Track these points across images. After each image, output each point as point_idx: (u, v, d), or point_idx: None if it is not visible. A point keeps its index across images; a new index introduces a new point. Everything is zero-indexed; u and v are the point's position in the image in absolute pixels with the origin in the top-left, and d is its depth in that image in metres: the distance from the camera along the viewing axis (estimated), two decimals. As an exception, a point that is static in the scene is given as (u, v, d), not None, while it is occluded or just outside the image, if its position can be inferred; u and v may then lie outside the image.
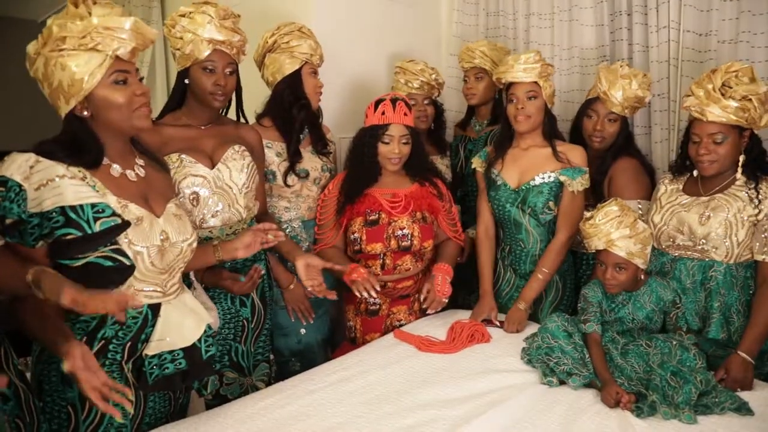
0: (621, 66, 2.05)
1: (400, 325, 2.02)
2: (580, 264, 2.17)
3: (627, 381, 1.52)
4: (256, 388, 1.87)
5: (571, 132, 2.21)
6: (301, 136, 2.09)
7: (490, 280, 2.10)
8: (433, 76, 2.42)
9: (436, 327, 1.93)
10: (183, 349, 1.38)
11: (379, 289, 1.88)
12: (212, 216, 1.72)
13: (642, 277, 1.73)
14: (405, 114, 2.02)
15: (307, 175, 2.09)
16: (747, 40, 2.05)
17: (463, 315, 2.03)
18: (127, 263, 1.26)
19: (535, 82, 1.96)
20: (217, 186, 1.72)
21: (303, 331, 2.12)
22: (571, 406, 1.47)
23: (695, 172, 1.78)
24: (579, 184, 1.98)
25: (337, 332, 2.30)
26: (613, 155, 2.09)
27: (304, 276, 1.76)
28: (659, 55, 2.26)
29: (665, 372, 1.48)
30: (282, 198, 2.08)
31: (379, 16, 2.71)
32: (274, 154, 2.04)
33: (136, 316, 1.32)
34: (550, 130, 2.03)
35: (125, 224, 1.24)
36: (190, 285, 1.56)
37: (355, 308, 2.11)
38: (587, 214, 1.73)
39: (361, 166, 2.05)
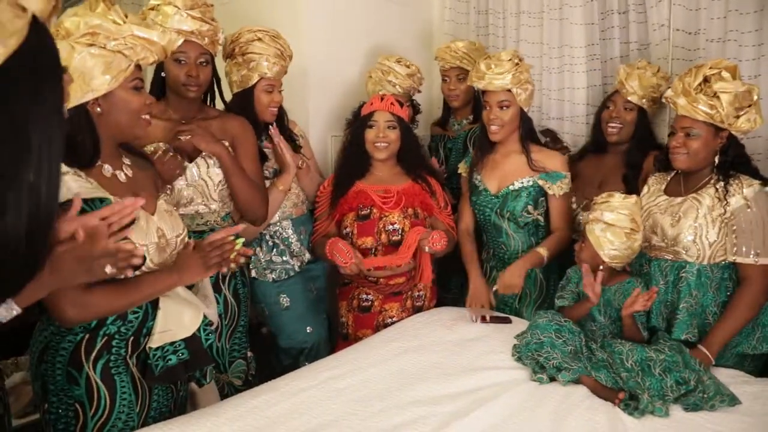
0: (639, 61, 2.09)
1: (392, 322, 2.03)
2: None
3: (614, 376, 1.53)
4: (233, 385, 1.89)
5: (593, 129, 2.22)
6: (263, 137, 2.07)
7: (478, 267, 2.11)
8: (409, 73, 2.38)
9: (425, 324, 1.93)
10: (184, 340, 1.40)
11: (356, 257, 1.91)
12: (184, 206, 1.77)
13: (620, 276, 1.75)
14: (392, 104, 2.04)
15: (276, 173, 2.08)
16: (735, 39, 2.07)
17: (451, 314, 2.03)
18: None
19: (509, 90, 1.96)
20: (193, 179, 1.76)
21: (309, 329, 2.14)
22: (561, 402, 1.48)
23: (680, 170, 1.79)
24: (559, 188, 2.01)
25: (333, 330, 2.31)
26: (639, 147, 2.08)
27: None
28: (663, 53, 2.27)
29: (641, 368, 1.49)
30: None
31: (370, 14, 2.70)
32: None
33: (137, 311, 1.35)
34: (525, 136, 2.05)
35: (132, 221, 1.24)
36: None
37: (348, 304, 2.12)
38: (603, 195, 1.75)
39: (350, 157, 2.08)
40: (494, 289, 2.00)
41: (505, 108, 1.98)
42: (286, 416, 1.39)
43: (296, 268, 2.13)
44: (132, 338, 1.36)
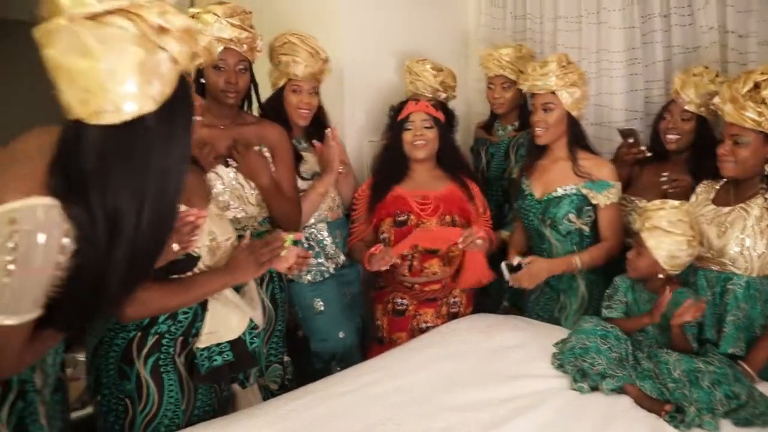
0: (695, 67, 2.01)
1: (427, 328, 2.02)
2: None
3: (660, 387, 1.49)
4: (269, 389, 1.90)
5: (651, 139, 2.14)
6: (301, 141, 2.11)
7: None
8: (439, 78, 2.38)
9: (462, 330, 1.91)
10: (230, 342, 1.44)
11: (391, 261, 1.89)
12: (222, 211, 1.78)
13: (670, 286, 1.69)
14: (427, 106, 2.05)
15: (317, 176, 2.09)
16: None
17: (488, 320, 2.01)
18: (194, 255, 1.36)
19: (552, 93, 1.93)
20: (231, 184, 1.78)
21: (342, 334, 2.14)
22: (603, 413, 1.44)
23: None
24: (605, 197, 1.95)
25: (368, 335, 2.31)
26: (700, 155, 1.97)
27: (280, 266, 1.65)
28: (712, 56, 2.22)
29: (688, 379, 1.45)
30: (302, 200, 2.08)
31: (406, 19, 2.72)
32: None
33: (187, 312, 1.39)
34: (572, 142, 2.00)
35: (198, 257, 1.34)
36: None
37: (383, 308, 2.12)
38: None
39: (388, 161, 2.08)
40: (517, 262, 1.94)
41: (549, 111, 1.95)
42: (325, 420, 1.40)
43: (331, 270, 2.14)
44: (181, 338, 1.40)
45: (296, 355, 2.15)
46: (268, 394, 1.90)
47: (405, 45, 2.69)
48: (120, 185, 0.87)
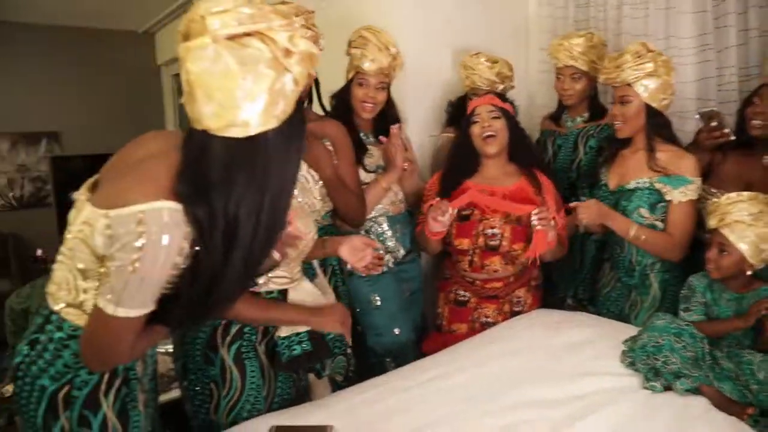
0: None
1: (487, 323, 2.00)
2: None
3: (741, 389, 1.43)
4: (334, 380, 1.94)
5: (737, 126, 2.00)
6: (368, 135, 2.13)
7: None
8: (495, 69, 2.32)
9: (526, 326, 1.89)
10: (308, 332, 1.51)
11: (448, 214, 1.85)
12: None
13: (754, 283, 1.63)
14: (492, 97, 2.02)
15: (380, 170, 2.10)
16: None
17: (553, 316, 1.98)
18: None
19: (628, 85, 1.85)
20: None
21: (397, 330, 2.15)
22: (679, 414, 1.39)
23: None
24: (681, 194, 1.84)
25: (426, 332, 2.31)
26: None
27: (353, 261, 1.69)
28: None
29: None
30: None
31: (464, 11, 2.69)
32: None
33: None
34: (651, 134, 1.91)
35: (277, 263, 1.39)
36: (314, 273, 1.70)
37: (446, 296, 2.11)
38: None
39: (457, 156, 2.06)
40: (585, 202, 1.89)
41: (626, 103, 1.88)
42: (394, 412, 1.42)
43: (390, 264, 2.15)
44: (262, 327, 1.47)
45: (354, 349, 2.19)
46: (334, 386, 1.95)
47: (464, 37, 2.67)
48: (241, 195, 0.94)
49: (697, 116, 2.06)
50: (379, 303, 2.14)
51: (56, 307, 1.10)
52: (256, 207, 0.96)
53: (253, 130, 0.91)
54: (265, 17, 0.90)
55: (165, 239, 0.93)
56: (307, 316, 1.47)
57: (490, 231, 1.96)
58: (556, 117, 2.48)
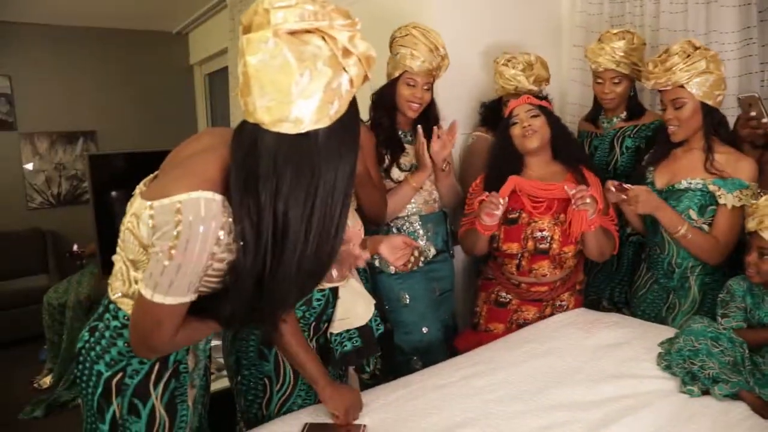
0: None
1: (525, 323, 1.98)
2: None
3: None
4: (361, 379, 1.95)
5: None
6: (407, 134, 2.12)
7: None
8: (531, 77, 2.24)
9: (561, 326, 1.87)
10: (358, 328, 1.53)
11: (501, 205, 1.83)
12: None
13: None
14: (529, 97, 1.99)
15: (415, 169, 2.09)
16: None
17: (588, 317, 1.95)
18: None
19: (681, 87, 1.78)
20: None
21: (425, 329, 2.14)
22: (718, 420, 1.36)
23: None
24: (736, 198, 1.76)
25: (457, 332, 2.30)
26: None
27: (392, 259, 1.64)
28: None
29: None
30: None
31: (496, 9, 2.65)
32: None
33: (320, 298, 1.49)
34: (709, 133, 1.82)
35: None
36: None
37: (486, 296, 2.09)
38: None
39: (498, 159, 2.02)
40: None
41: (680, 107, 1.80)
42: (426, 411, 1.41)
43: (420, 263, 2.11)
44: (314, 323, 1.50)
45: (383, 346, 2.19)
46: (361, 383, 1.97)
47: (497, 34, 2.63)
48: (289, 191, 0.94)
49: (738, 101, 1.94)
50: (408, 301, 2.13)
51: (113, 297, 1.14)
52: (307, 209, 0.95)
53: (305, 128, 0.91)
54: (328, 15, 0.90)
55: (201, 228, 0.93)
56: (321, 385, 1.39)
57: (539, 234, 1.91)
58: (593, 118, 2.41)
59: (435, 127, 2.05)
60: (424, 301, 2.16)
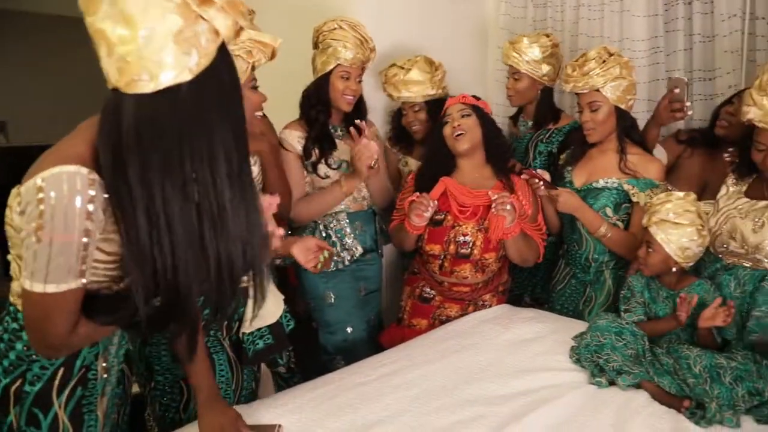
0: None
1: (448, 320, 2.01)
2: None
3: (679, 383, 1.47)
4: (278, 373, 1.95)
5: (710, 123, 2.03)
6: (338, 128, 2.11)
7: None
8: (420, 89, 2.22)
9: (481, 322, 1.91)
10: (269, 326, 1.53)
11: (430, 207, 1.85)
12: None
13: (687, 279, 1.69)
14: (464, 96, 2.01)
15: (344, 165, 2.08)
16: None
17: (508, 313, 2.01)
18: None
19: (597, 90, 1.87)
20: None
21: (350, 329, 2.13)
22: (622, 408, 1.43)
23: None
24: (647, 197, 1.88)
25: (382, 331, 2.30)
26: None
27: (303, 260, 1.63)
28: (732, 45, 2.17)
29: (710, 375, 1.43)
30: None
31: (421, 8, 2.66)
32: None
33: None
34: (622, 135, 1.94)
35: None
36: None
37: (411, 290, 2.11)
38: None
39: (431, 158, 2.04)
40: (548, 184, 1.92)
41: (596, 110, 1.90)
42: (343, 410, 1.41)
43: (346, 262, 2.11)
44: (226, 323, 1.48)
45: (308, 345, 2.16)
46: (276, 378, 1.95)
47: (420, 36, 2.62)
48: (159, 162, 0.84)
49: (668, 80, 2.06)
50: (333, 300, 2.12)
51: (12, 299, 1.06)
52: (180, 178, 0.84)
53: (162, 84, 0.82)
54: None
55: (64, 203, 0.86)
56: (202, 397, 1.28)
57: (462, 239, 1.94)
58: (516, 119, 2.47)
59: (364, 129, 2.01)
60: (349, 301, 2.15)
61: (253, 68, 1.42)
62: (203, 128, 0.86)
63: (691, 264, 1.66)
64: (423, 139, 2.30)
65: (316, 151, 2.05)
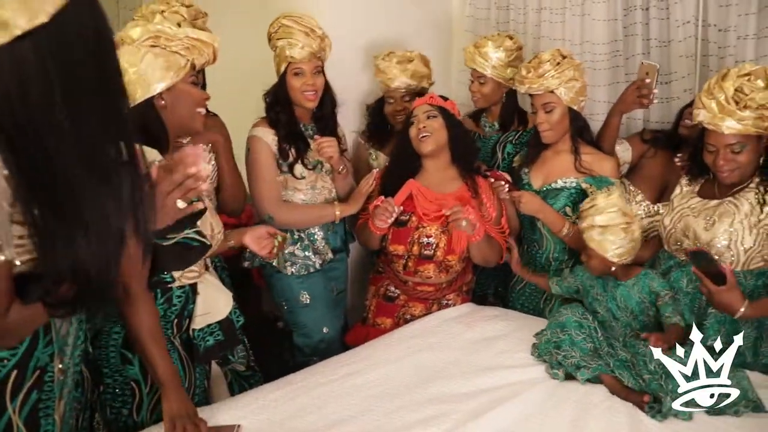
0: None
1: (412, 319, 2.01)
2: None
3: (637, 378, 1.50)
4: (236, 372, 1.93)
5: (674, 124, 2.07)
6: (309, 129, 2.09)
7: None
8: (409, 71, 2.26)
9: (444, 321, 1.92)
10: (218, 322, 1.52)
11: (394, 212, 1.87)
12: None
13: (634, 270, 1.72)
14: (431, 97, 2.02)
15: (319, 166, 2.07)
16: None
17: (471, 311, 2.02)
18: (207, 243, 1.40)
19: (552, 92, 1.91)
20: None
21: (326, 329, 2.12)
22: (581, 402, 1.47)
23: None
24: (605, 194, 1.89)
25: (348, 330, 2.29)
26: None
27: (257, 248, 1.73)
28: (686, 50, 2.24)
29: (664, 371, 1.45)
30: (298, 191, 2.06)
31: (386, 7, 2.66)
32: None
33: (180, 295, 1.46)
34: (575, 135, 1.99)
35: (204, 209, 1.29)
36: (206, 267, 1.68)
37: (375, 290, 2.11)
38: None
39: (399, 158, 2.04)
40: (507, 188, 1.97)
41: (550, 111, 1.93)
42: (305, 410, 1.40)
43: (317, 266, 2.10)
44: (176, 320, 1.46)
45: (274, 347, 2.15)
46: (235, 377, 1.92)
47: (385, 35, 2.63)
48: (26, 114, 0.77)
49: (639, 65, 2.06)
50: (307, 302, 2.10)
51: None
52: (58, 128, 0.78)
53: (16, 30, 0.74)
54: None
55: None
56: (174, 392, 1.33)
57: (425, 240, 1.95)
58: (476, 118, 2.46)
59: (319, 140, 2.02)
60: (324, 301, 2.13)
61: (194, 66, 1.43)
62: (74, 74, 0.80)
63: (628, 260, 1.68)
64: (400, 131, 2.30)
65: (293, 151, 2.03)
